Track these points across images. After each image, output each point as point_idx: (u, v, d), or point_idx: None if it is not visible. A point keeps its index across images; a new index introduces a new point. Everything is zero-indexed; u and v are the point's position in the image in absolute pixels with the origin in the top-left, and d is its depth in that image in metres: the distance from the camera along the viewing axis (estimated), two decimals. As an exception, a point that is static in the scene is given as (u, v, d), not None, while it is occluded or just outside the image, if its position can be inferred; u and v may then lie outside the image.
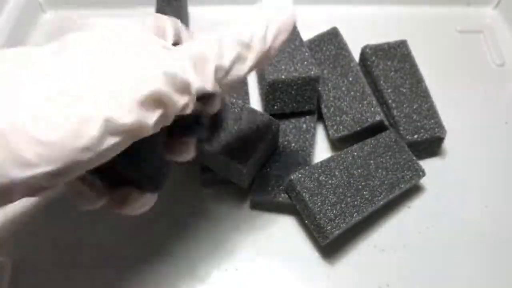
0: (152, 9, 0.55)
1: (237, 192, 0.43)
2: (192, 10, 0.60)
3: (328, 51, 0.49)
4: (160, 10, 0.54)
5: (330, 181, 0.39)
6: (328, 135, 0.48)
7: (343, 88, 0.46)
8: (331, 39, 0.50)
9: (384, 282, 0.39)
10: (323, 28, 0.51)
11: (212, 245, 0.40)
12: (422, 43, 0.51)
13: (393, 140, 0.43)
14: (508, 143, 0.48)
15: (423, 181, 0.43)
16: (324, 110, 0.46)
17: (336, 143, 0.46)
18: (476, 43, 0.58)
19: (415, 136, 0.44)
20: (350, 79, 0.47)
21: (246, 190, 0.42)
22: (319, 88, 0.46)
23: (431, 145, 0.45)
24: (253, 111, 0.42)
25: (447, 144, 0.45)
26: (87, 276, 0.39)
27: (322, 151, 0.47)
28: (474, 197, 0.44)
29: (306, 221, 0.40)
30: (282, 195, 0.41)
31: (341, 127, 0.45)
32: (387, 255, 0.40)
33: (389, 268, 0.40)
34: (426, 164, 0.45)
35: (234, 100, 0.43)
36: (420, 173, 0.42)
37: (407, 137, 0.44)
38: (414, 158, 0.42)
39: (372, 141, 0.43)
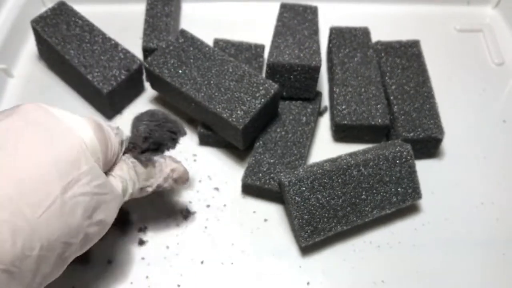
0: (143, 5, 0.55)
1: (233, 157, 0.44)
2: (185, 7, 0.60)
3: (352, 42, 0.50)
4: (151, 5, 0.54)
5: (323, 192, 0.38)
6: (330, 125, 0.49)
7: (360, 80, 0.47)
8: (357, 35, 0.51)
9: (379, 278, 0.39)
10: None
11: (204, 235, 0.41)
12: (421, 42, 0.51)
13: (405, 153, 0.41)
14: (505, 141, 0.48)
15: (419, 178, 0.43)
16: (335, 95, 0.47)
17: (336, 135, 0.47)
18: (475, 42, 0.58)
19: (411, 134, 0.44)
20: (368, 73, 0.47)
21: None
22: (337, 71, 0.48)
23: (428, 146, 0.45)
24: (255, 74, 0.43)
25: (444, 141, 0.45)
26: (88, 275, 0.39)
27: (320, 144, 0.47)
28: (470, 194, 0.44)
29: (288, 219, 0.41)
30: (272, 182, 0.41)
31: (348, 116, 0.45)
32: (383, 251, 0.40)
33: (384, 264, 0.40)
34: (423, 160, 0.46)
35: (238, 63, 0.44)
36: (416, 195, 0.41)
37: (403, 133, 0.44)
38: (417, 178, 0.41)
39: (384, 151, 0.40)
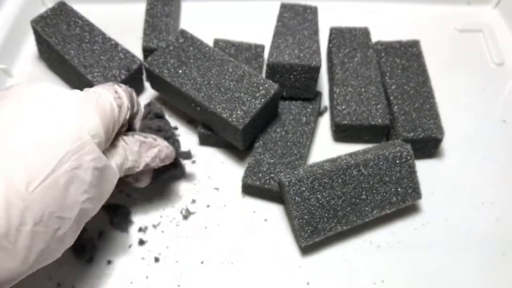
0: (143, 5, 0.55)
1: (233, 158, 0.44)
2: (185, 7, 0.60)
3: (352, 42, 0.50)
4: (151, 5, 0.54)
5: (323, 192, 0.38)
6: (330, 125, 0.48)
7: (360, 80, 0.47)
8: (357, 35, 0.51)
9: (379, 278, 0.39)
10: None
11: (206, 235, 0.41)
12: (422, 42, 0.51)
13: (405, 153, 0.40)
14: (505, 141, 0.48)
15: (420, 178, 0.43)
16: (335, 95, 0.47)
17: (336, 135, 0.47)
18: (475, 42, 0.58)
19: (411, 134, 0.44)
20: (368, 73, 0.47)
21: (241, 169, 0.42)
22: (337, 71, 0.48)
23: (428, 146, 0.45)
24: (255, 74, 0.43)
25: (444, 141, 0.45)
26: (88, 275, 0.39)
27: (320, 144, 0.47)
28: (470, 194, 0.44)
29: (288, 219, 0.40)
30: (272, 182, 0.41)
31: (348, 116, 0.45)
32: (383, 251, 0.40)
33: (384, 264, 0.40)
34: (423, 160, 0.46)
35: (238, 63, 0.44)
36: (416, 195, 0.41)
37: (403, 133, 0.44)
38: (417, 178, 0.41)
39: (384, 151, 0.40)
